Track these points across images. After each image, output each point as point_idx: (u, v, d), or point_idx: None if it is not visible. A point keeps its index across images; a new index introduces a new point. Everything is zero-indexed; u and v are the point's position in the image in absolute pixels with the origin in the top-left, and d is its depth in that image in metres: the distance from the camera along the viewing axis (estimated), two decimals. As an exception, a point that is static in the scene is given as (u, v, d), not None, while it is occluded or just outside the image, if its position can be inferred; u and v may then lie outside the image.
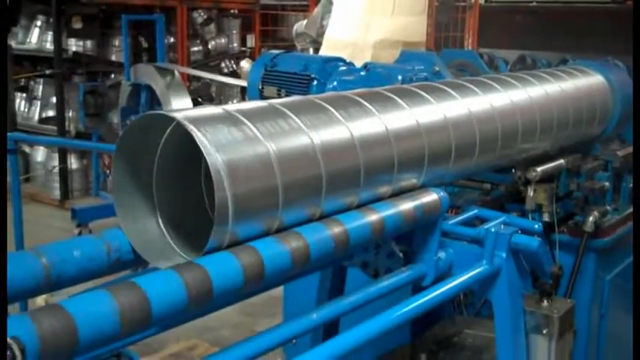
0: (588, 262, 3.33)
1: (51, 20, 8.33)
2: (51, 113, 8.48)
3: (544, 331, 2.46)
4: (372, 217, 1.99)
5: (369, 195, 2.05)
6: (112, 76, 8.71)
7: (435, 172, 2.32)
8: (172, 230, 1.77)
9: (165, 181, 1.77)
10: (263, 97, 4.27)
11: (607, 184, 3.31)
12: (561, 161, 3.21)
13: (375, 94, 2.24)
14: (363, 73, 3.97)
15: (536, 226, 2.55)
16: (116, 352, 2.84)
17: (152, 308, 1.42)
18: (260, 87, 4.33)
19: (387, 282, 2.21)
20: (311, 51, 10.19)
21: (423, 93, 2.38)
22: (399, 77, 3.77)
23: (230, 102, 9.23)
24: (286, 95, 4.10)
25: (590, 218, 3.14)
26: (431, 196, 2.23)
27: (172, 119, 1.62)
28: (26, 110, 8.81)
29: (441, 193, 2.27)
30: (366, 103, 2.12)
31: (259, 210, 1.69)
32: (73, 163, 8.37)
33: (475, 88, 2.60)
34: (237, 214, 1.59)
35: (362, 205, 2.03)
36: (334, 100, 2.06)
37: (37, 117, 8.64)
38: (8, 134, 3.89)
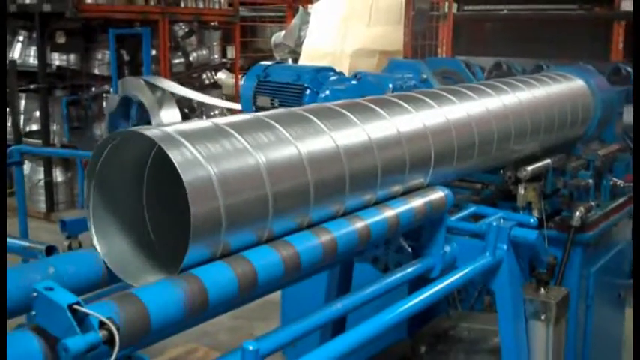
0: (574, 255, 3.53)
1: (33, 35, 8.41)
2: (35, 127, 8.54)
3: (542, 317, 2.65)
4: (389, 213, 2.18)
5: (385, 194, 2.23)
6: (93, 89, 8.80)
7: (440, 172, 2.50)
8: (145, 248, 1.77)
9: (135, 198, 1.78)
10: (256, 107, 4.43)
11: (590, 181, 3.53)
12: (548, 161, 3.42)
13: (384, 100, 2.42)
14: (354, 82, 4.14)
15: (532, 220, 2.75)
16: (128, 354, 2.96)
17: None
18: (253, 97, 4.49)
19: (399, 274, 2.38)
20: (289, 61, 10.40)
21: (425, 98, 2.58)
22: (390, 85, 3.95)
23: (212, 114, 9.36)
24: (280, 104, 4.26)
25: (577, 213, 3.35)
26: (438, 194, 2.42)
27: (142, 136, 1.61)
28: (9, 124, 8.85)
29: (446, 191, 2.46)
30: (377, 108, 2.31)
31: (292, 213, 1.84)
32: (58, 175, 8.44)
33: (471, 94, 2.80)
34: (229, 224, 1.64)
35: (378, 203, 2.21)
36: (349, 106, 2.24)
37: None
38: (14, 147, 4.00)
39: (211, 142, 1.69)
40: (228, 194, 1.63)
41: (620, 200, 3.88)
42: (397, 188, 2.30)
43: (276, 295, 5.90)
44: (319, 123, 2.03)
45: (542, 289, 2.69)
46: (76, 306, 1.24)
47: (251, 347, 1.52)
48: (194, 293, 1.53)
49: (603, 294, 3.83)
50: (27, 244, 2.38)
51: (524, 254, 2.76)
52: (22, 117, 8.73)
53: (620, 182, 3.90)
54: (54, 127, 8.43)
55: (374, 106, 2.31)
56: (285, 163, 1.84)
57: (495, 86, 3.04)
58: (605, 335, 3.96)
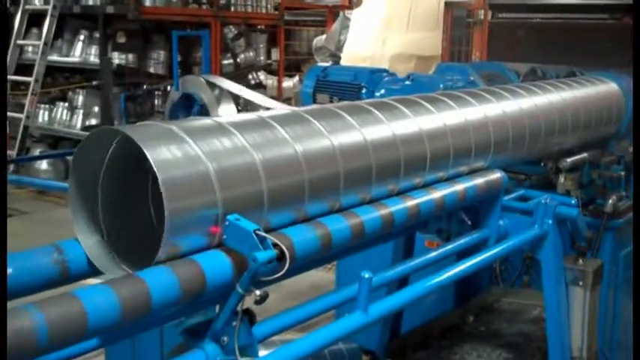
0: (606, 239, 3.98)
1: (94, 35, 9.01)
2: (94, 122, 9.13)
3: (580, 283, 3.11)
4: (458, 187, 2.65)
5: (454, 172, 2.71)
6: (144, 87, 9.37)
7: (497, 158, 2.96)
8: (118, 244, 1.82)
9: (112, 195, 1.83)
10: (316, 104, 4.92)
11: (623, 173, 3.98)
12: (585, 155, 3.87)
13: (454, 95, 2.90)
14: (408, 83, 4.61)
15: (573, 201, 3.21)
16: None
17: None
18: (313, 95, 4.99)
19: (462, 241, 2.86)
20: (330, 63, 10.89)
21: (485, 94, 3.05)
22: (441, 86, 4.41)
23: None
24: (338, 102, 4.74)
25: (610, 201, 3.80)
26: (496, 175, 2.89)
27: (123, 135, 1.68)
28: (68, 119, 9.47)
29: (503, 173, 2.93)
30: (448, 100, 2.79)
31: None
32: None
33: (522, 92, 3.27)
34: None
35: (449, 179, 2.69)
36: (428, 98, 2.72)
37: (79, 125, 9.29)
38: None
39: (206, 140, 1.78)
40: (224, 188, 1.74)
41: (649, 193, 4.31)
42: (463, 168, 2.77)
43: (325, 279, 6.44)
44: (406, 110, 2.52)
45: (580, 260, 3.15)
46: (257, 231, 1.73)
47: (367, 275, 2.01)
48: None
49: (630, 277, 4.26)
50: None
51: (565, 232, 3.22)
52: (81, 112, 9.32)
53: (648, 177, 4.33)
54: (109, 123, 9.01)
55: (446, 99, 2.79)
56: (382, 140, 2.32)
57: (541, 86, 3.50)
58: (631, 317, 4.39)
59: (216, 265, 1.74)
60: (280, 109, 7.85)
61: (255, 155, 1.86)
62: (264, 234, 1.74)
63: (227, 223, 1.76)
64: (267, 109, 9.60)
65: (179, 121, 1.92)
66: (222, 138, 1.85)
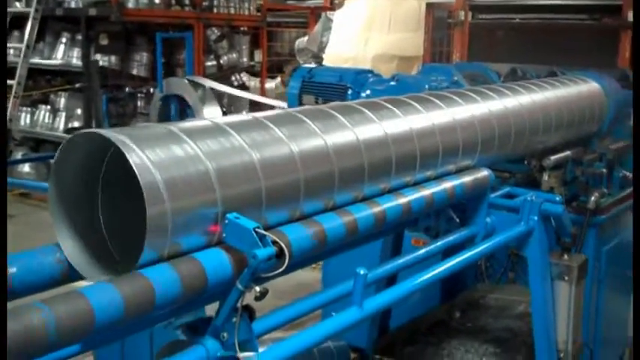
0: (589, 235, 4.05)
1: (76, 37, 8.99)
2: (76, 124, 9.11)
3: (565, 278, 3.18)
4: (447, 184, 2.71)
5: (443, 170, 2.77)
6: (127, 89, 9.37)
7: (483, 157, 3.03)
8: (100, 248, 1.82)
9: (89, 199, 1.83)
10: (302, 105, 4.96)
11: (605, 171, 4.06)
12: (568, 152, 3.95)
13: (441, 95, 2.96)
14: (393, 83, 4.66)
15: (557, 198, 3.27)
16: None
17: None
18: (299, 96, 5.02)
19: (451, 237, 2.92)
20: (312, 64, 10.94)
21: (471, 94, 3.11)
22: (426, 86, 4.47)
23: (241, 113, 9.92)
24: (323, 102, 4.79)
25: (592, 198, 3.88)
26: (482, 173, 2.95)
27: (103, 138, 1.66)
28: (50, 121, 9.45)
29: (489, 171, 3.00)
30: (436, 100, 2.85)
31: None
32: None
33: (507, 91, 3.34)
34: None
35: (438, 178, 2.74)
36: (417, 98, 2.78)
37: (62, 127, 9.26)
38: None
39: (204, 140, 1.80)
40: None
41: (629, 190, 4.40)
42: (451, 167, 2.83)
43: (311, 277, 6.47)
44: (396, 110, 2.57)
45: (565, 255, 3.22)
46: (257, 229, 1.77)
47: (362, 272, 2.06)
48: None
49: (613, 272, 4.35)
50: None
51: (550, 229, 3.28)
52: (63, 114, 9.30)
53: (629, 174, 4.42)
54: (93, 125, 8.98)
55: (434, 99, 2.85)
56: (374, 139, 2.37)
57: (526, 86, 3.57)
58: (614, 311, 4.48)
59: (216, 262, 1.78)
60: (269, 100, 7.91)
61: (253, 155, 1.90)
62: (263, 231, 1.78)
63: (226, 221, 1.80)
64: (256, 104, 9.66)
65: (174, 122, 1.96)
66: (220, 138, 1.89)
